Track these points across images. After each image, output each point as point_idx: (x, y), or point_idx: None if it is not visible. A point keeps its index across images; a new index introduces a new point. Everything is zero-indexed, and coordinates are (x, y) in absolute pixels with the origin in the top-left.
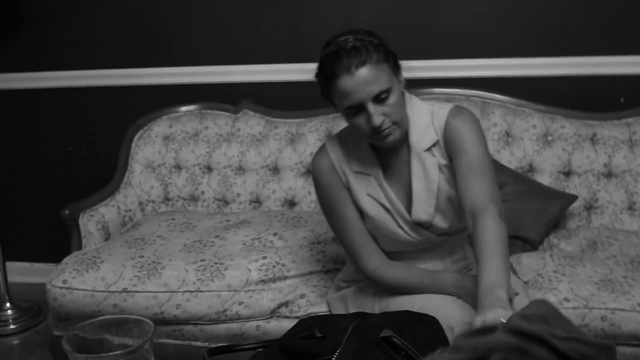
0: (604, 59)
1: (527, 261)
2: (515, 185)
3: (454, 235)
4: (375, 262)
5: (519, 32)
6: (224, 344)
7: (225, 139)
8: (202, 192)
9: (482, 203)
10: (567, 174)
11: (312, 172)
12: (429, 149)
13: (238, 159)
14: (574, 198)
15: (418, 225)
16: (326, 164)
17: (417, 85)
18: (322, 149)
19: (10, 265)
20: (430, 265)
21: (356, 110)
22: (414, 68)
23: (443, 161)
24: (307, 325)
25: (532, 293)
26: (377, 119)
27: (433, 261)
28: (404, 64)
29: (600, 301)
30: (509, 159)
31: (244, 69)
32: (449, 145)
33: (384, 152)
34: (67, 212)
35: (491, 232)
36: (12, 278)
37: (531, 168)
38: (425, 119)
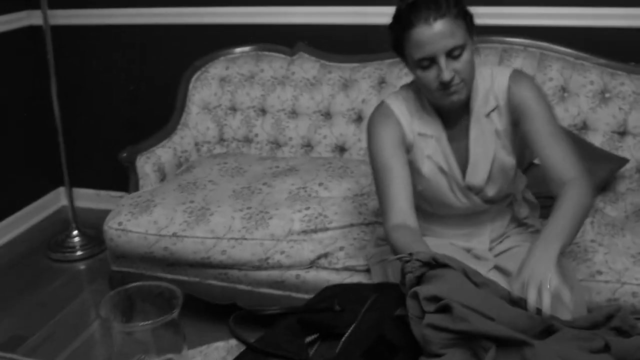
0: None
1: None
2: None
3: (497, 203)
4: (398, 220)
5: None
6: (248, 309)
7: (279, 82)
8: (256, 135)
9: (569, 174)
10: (622, 134)
11: (371, 124)
12: (487, 115)
13: (292, 103)
14: (624, 161)
15: (469, 189)
16: (390, 118)
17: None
18: (384, 106)
19: (77, 191)
20: (469, 231)
21: (428, 63)
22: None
23: (500, 126)
24: (328, 294)
25: (565, 262)
26: (448, 74)
27: (474, 227)
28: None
29: (633, 276)
30: (562, 115)
31: (301, 10)
32: (515, 111)
33: (446, 116)
34: (125, 154)
35: (571, 199)
36: (79, 203)
37: (585, 126)
38: (486, 84)
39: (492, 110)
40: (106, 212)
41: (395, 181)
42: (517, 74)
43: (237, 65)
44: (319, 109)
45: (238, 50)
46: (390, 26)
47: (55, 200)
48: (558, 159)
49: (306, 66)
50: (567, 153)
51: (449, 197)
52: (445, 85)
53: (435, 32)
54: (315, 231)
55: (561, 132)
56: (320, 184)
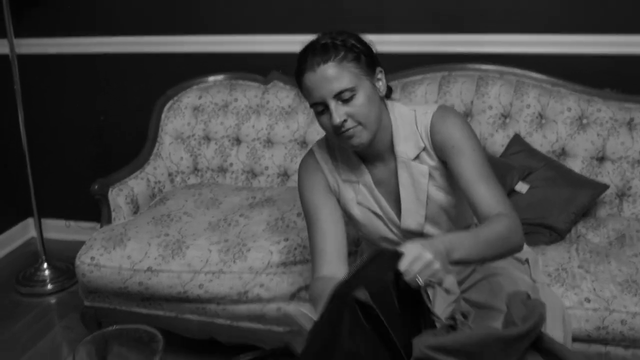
0: None
1: (552, 254)
2: (545, 171)
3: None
4: (325, 273)
5: (558, 8)
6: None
7: (254, 111)
8: (231, 164)
9: (497, 210)
10: (601, 159)
11: (299, 171)
12: (417, 157)
13: (267, 132)
14: (604, 187)
15: (409, 233)
16: (312, 166)
17: (450, 60)
18: (310, 154)
19: (46, 222)
20: None
21: (322, 109)
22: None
23: (432, 163)
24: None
25: (554, 289)
26: (337, 117)
27: None
28: (435, 37)
29: (621, 304)
30: (540, 142)
31: (275, 39)
32: (440, 151)
33: (371, 160)
34: (96, 187)
35: (491, 226)
36: (48, 235)
37: (563, 152)
38: (409, 126)
39: (421, 151)
40: (77, 244)
41: (321, 233)
42: (441, 112)
43: (210, 95)
44: (295, 137)
45: (211, 79)
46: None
47: (24, 232)
48: (486, 196)
49: (281, 95)
50: (495, 192)
51: (393, 238)
52: (337, 129)
53: (319, 77)
54: (294, 263)
55: (489, 171)
56: (299, 215)
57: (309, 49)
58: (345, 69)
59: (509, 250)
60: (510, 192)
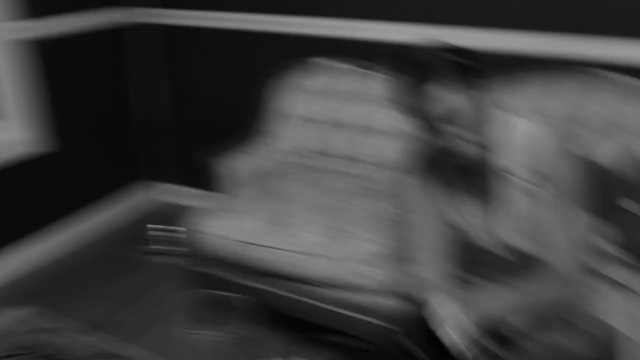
0: None
1: None
2: None
3: None
4: (417, 270)
5: None
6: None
7: (383, 102)
8: (356, 153)
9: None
10: None
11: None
12: (511, 171)
13: (393, 125)
14: None
15: (503, 244)
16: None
17: (557, 62)
18: None
19: (162, 186)
20: None
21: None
22: None
23: (527, 177)
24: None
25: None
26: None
27: None
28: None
29: None
30: None
31: (407, 29)
32: (531, 170)
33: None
34: (213, 157)
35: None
36: (165, 198)
37: None
38: (507, 139)
39: (517, 166)
40: (189, 210)
41: (419, 229)
42: (541, 131)
43: (340, 81)
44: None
45: (342, 64)
46: None
47: (141, 194)
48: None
49: None
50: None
51: (486, 247)
52: None
53: (429, 96)
54: (397, 257)
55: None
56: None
57: (416, 65)
58: (453, 85)
59: (558, 317)
60: (616, 208)
